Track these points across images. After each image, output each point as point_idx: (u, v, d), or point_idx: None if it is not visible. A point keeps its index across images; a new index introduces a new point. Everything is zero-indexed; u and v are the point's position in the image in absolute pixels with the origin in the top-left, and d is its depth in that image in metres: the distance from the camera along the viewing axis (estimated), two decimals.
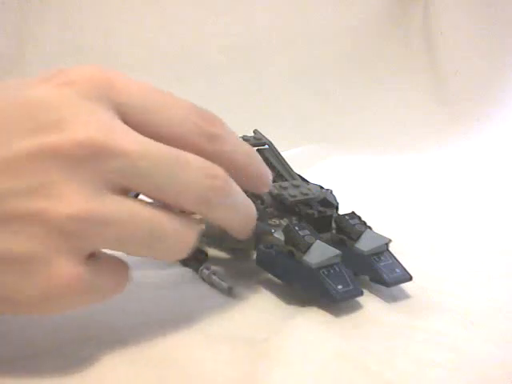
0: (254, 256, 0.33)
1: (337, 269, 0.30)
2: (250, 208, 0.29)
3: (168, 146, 0.24)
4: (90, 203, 0.22)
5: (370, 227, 0.33)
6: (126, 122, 0.24)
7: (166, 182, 0.24)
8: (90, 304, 0.24)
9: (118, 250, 0.25)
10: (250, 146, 0.29)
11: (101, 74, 0.24)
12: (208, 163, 0.25)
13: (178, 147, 0.25)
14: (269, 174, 0.30)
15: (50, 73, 0.24)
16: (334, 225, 0.35)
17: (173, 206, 0.25)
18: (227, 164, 0.26)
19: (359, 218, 0.34)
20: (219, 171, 0.25)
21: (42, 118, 0.22)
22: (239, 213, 0.28)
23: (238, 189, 0.27)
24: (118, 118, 0.24)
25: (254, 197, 0.35)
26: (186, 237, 0.26)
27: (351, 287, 0.30)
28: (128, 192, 0.24)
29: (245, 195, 0.28)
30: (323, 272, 0.29)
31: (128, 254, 0.25)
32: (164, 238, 0.24)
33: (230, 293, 0.32)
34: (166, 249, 0.25)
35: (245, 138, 0.38)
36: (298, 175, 0.38)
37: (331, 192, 0.39)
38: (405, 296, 0.32)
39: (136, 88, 0.25)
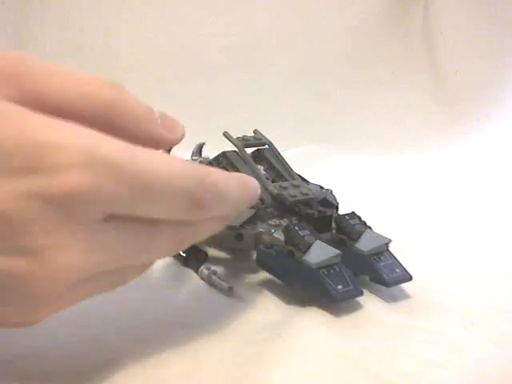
0: (254, 256, 0.33)
1: (337, 269, 0.30)
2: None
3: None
4: None
5: (370, 227, 0.33)
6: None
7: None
8: None
9: None
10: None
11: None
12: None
13: None
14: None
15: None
16: (334, 225, 0.35)
17: None
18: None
19: (359, 218, 0.34)
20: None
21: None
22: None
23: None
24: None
25: None
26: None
27: (351, 287, 0.30)
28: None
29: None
30: (323, 272, 0.29)
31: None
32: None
33: (229, 293, 0.32)
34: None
35: (245, 138, 0.38)
36: (298, 175, 0.38)
37: (331, 192, 0.39)
38: (405, 296, 0.32)
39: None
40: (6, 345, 0.26)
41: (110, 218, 0.21)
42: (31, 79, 0.21)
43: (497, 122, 0.73)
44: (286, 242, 0.31)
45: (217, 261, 0.35)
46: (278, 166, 0.38)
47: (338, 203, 0.37)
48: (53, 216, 0.19)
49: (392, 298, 0.32)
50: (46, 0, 0.70)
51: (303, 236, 0.30)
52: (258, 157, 0.39)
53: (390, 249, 0.33)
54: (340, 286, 0.29)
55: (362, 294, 0.30)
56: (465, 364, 0.26)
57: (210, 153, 0.42)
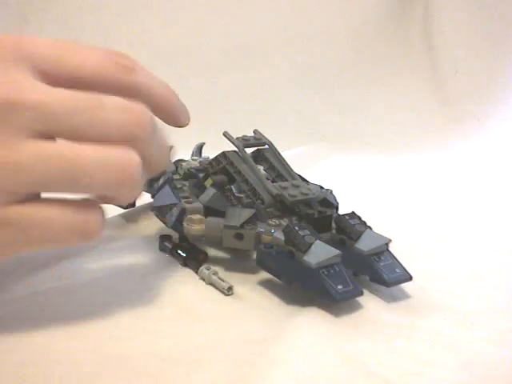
0: (254, 256, 0.33)
1: (337, 269, 0.30)
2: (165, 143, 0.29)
3: (80, 91, 0.25)
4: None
5: (370, 227, 0.33)
6: (41, 74, 0.25)
7: (83, 124, 0.25)
8: None
9: (44, 191, 0.25)
10: (164, 81, 0.30)
11: (8, 36, 0.25)
12: (125, 101, 0.26)
13: (95, 88, 0.26)
14: (185, 107, 0.31)
15: None
16: (334, 225, 0.34)
17: None
18: (147, 95, 0.28)
19: (359, 218, 0.34)
20: (139, 106, 0.26)
21: None
22: (164, 148, 0.29)
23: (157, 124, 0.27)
24: (31, 74, 0.25)
25: (254, 197, 0.35)
26: (117, 168, 0.25)
27: (351, 287, 0.30)
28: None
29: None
30: (323, 272, 0.29)
31: (59, 192, 0.25)
32: (86, 173, 0.24)
33: (229, 293, 0.32)
34: (98, 184, 0.25)
35: (245, 138, 0.38)
36: (298, 175, 0.38)
37: (331, 192, 0.39)
38: (405, 296, 0.32)
39: (44, 42, 0.26)
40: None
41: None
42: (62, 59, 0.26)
43: (497, 121, 0.73)
44: (286, 241, 0.31)
45: (217, 261, 0.35)
46: (278, 166, 0.38)
47: (338, 203, 0.37)
48: None
49: (392, 298, 0.32)
50: (46, 0, 0.70)
51: (303, 236, 0.30)
52: (258, 157, 0.39)
53: (390, 249, 0.33)
54: (340, 286, 0.29)
55: (362, 293, 0.30)
56: (465, 364, 0.26)
57: (209, 153, 0.42)
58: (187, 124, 0.31)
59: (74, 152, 0.24)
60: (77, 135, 0.25)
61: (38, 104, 0.24)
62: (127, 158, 0.25)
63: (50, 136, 0.25)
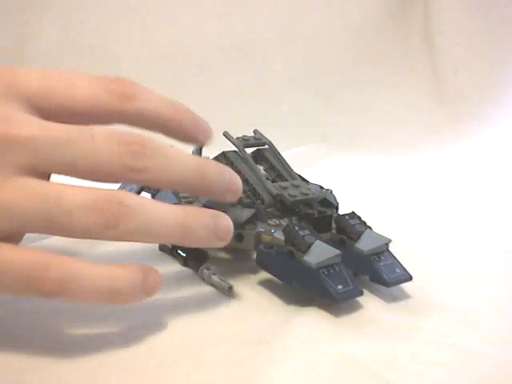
0: (254, 256, 0.33)
1: (337, 269, 0.30)
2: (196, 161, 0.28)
3: (71, 125, 0.25)
4: None
5: (370, 227, 0.33)
6: (34, 109, 0.25)
7: (72, 156, 0.24)
8: None
9: (24, 231, 0.25)
10: (172, 99, 0.28)
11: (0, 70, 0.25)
12: (118, 132, 0.25)
13: (92, 118, 0.26)
14: (203, 122, 0.29)
15: None
16: (334, 225, 0.34)
17: (96, 180, 0.25)
18: (149, 121, 0.27)
19: (359, 218, 0.34)
20: (132, 136, 0.25)
21: None
22: (181, 165, 0.27)
23: (163, 145, 0.26)
24: (23, 108, 0.25)
25: (254, 197, 0.35)
26: (95, 205, 0.24)
27: (351, 287, 0.30)
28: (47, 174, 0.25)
29: (180, 150, 0.27)
30: (323, 272, 0.29)
31: (40, 233, 0.25)
32: (69, 214, 0.24)
33: (230, 293, 0.32)
34: (71, 225, 0.24)
35: (245, 138, 0.38)
36: (298, 175, 0.38)
37: (331, 192, 0.39)
38: (405, 296, 0.32)
39: (36, 75, 0.26)
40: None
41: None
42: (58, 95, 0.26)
43: (497, 122, 0.73)
44: (286, 241, 0.31)
45: (217, 261, 0.35)
46: (278, 166, 0.38)
47: (338, 203, 0.37)
48: None
49: (392, 298, 0.32)
50: (46, 0, 0.70)
51: (303, 236, 0.30)
52: (257, 157, 0.39)
53: (390, 249, 0.33)
54: (340, 286, 0.29)
55: (362, 293, 0.30)
56: (464, 364, 0.26)
57: (209, 153, 0.42)
58: (207, 141, 0.30)
59: (59, 191, 0.24)
60: (68, 168, 0.24)
61: (26, 139, 0.24)
62: (115, 201, 0.24)
63: (42, 171, 0.24)
